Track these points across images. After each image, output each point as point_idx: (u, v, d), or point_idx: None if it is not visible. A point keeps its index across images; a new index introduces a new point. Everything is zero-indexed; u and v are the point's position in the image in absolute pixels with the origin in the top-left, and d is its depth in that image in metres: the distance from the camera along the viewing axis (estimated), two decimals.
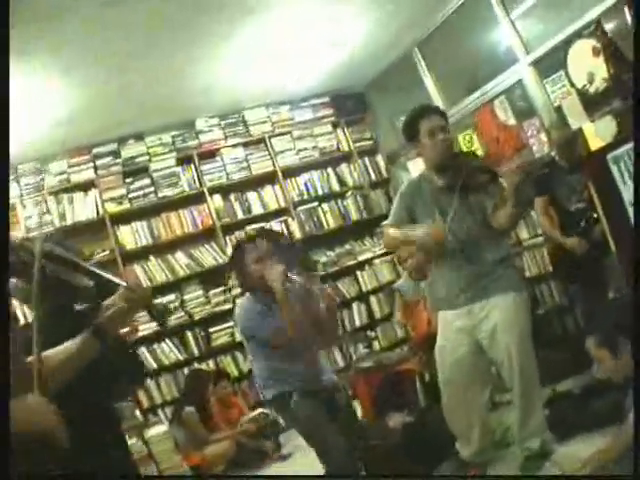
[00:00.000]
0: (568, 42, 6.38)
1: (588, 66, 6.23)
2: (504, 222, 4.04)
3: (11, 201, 7.47)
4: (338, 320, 6.72)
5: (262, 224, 8.53)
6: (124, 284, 2.35)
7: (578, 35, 6.25)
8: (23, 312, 5.11)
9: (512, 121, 7.43)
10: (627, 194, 3.07)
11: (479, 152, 7.84)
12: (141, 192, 8.20)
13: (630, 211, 3.04)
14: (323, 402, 4.23)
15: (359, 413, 6.32)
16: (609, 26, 5.92)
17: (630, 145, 2.96)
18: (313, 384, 4.23)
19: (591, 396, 4.78)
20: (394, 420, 5.72)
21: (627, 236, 3.10)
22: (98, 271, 2.34)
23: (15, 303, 2.70)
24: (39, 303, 1.99)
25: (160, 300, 7.87)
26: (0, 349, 1.73)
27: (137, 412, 6.94)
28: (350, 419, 4.52)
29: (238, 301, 4.47)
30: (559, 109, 6.74)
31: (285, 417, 4.69)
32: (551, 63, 6.74)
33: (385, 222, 4.63)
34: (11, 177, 7.64)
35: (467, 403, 4.35)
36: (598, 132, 6.02)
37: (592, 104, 6.26)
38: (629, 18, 3.45)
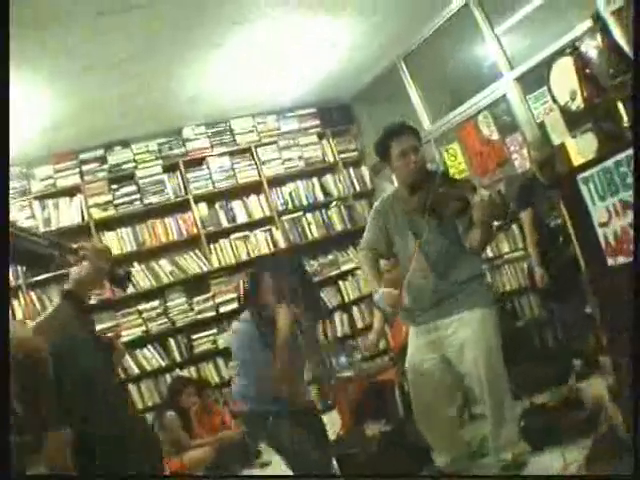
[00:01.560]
0: (551, 59, 6.42)
1: (570, 83, 6.29)
2: (475, 244, 4.08)
3: None
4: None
5: (246, 233, 8.61)
6: (87, 247, 2.42)
7: (561, 52, 6.29)
8: None
9: (495, 136, 7.51)
10: (596, 215, 3.15)
11: (462, 166, 7.94)
12: (127, 199, 8.24)
13: (599, 232, 3.12)
14: (300, 421, 4.29)
15: (338, 422, 6.38)
16: (587, 47, 6.00)
17: (600, 166, 3.04)
18: (293, 405, 4.30)
19: (567, 409, 4.84)
20: (372, 429, 5.76)
21: (596, 256, 3.18)
22: (58, 240, 2.40)
23: None
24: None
25: (144, 306, 7.95)
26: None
27: None
28: (322, 433, 4.60)
29: (238, 323, 4.47)
30: (542, 125, 6.80)
31: (260, 434, 4.72)
32: (535, 79, 6.80)
33: (361, 243, 4.66)
34: None
35: (435, 415, 4.39)
36: (579, 148, 6.10)
37: (574, 120, 6.31)
38: (600, 42, 3.52)
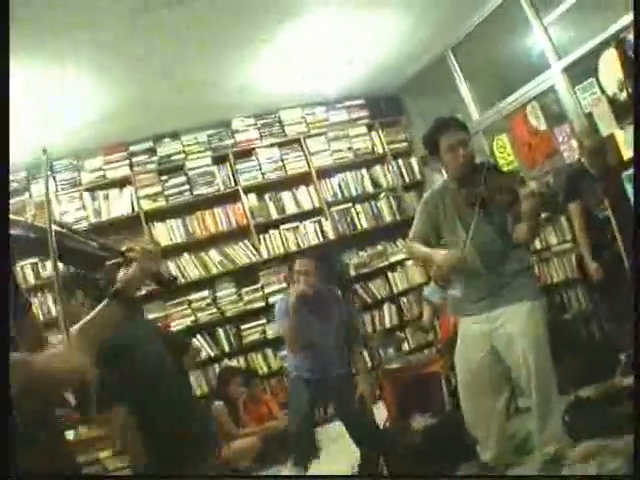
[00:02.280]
0: (599, 49, 6.36)
1: (618, 74, 6.22)
2: (523, 236, 4.10)
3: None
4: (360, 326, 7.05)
5: (296, 224, 8.65)
6: (136, 249, 2.47)
7: (609, 43, 6.23)
8: None
9: (544, 127, 7.43)
10: None
11: (510, 157, 7.88)
12: (176, 190, 8.31)
13: None
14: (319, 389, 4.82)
15: (384, 414, 6.38)
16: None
17: None
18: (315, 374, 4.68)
19: (610, 404, 4.80)
20: (417, 422, 5.77)
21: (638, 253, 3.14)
22: (106, 242, 2.45)
23: None
24: (56, 264, 2.10)
25: (194, 296, 8.03)
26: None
27: None
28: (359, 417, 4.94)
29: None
30: (590, 115, 6.73)
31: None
32: (583, 70, 6.73)
33: (410, 234, 4.68)
34: (48, 173, 7.78)
35: (483, 408, 4.40)
36: (628, 140, 6.02)
37: (622, 111, 6.24)
38: None
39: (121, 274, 2.40)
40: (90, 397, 1.98)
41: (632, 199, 3.07)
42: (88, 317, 2.29)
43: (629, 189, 3.10)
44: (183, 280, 8.05)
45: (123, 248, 2.46)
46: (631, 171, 3.09)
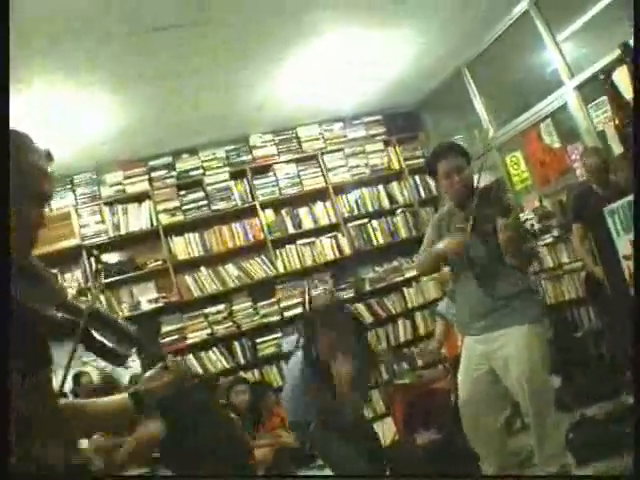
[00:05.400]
0: (611, 67, 6.38)
1: (630, 92, 6.25)
2: (514, 262, 4.18)
3: (66, 210, 7.81)
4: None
5: (312, 239, 8.74)
6: (166, 359, 2.49)
7: (621, 60, 6.25)
8: None
9: (557, 144, 7.47)
10: (621, 247, 3.19)
11: (525, 174, 7.94)
12: (195, 204, 8.42)
13: (623, 263, 3.16)
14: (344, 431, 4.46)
15: (392, 429, 6.45)
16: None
17: (627, 199, 3.08)
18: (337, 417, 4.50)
19: (614, 422, 4.85)
20: (422, 437, 5.84)
21: (619, 285, 3.23)
22: (139, 338, 2.45)
23: None
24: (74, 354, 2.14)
25: (210, 310, 8.13)
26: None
27: None
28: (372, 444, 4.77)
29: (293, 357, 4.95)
30: (602, 134, 6.77)
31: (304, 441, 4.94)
32: (595, 88, 6.75)
33: (420, 250, 4.76)
34: (67, 187, 7.98)
35: (483, 425, 4.44)
36: None
37: None
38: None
39: (148, 375, 2.42)
40: None
41: (614, 234, 3.15)
42: (100, 401, 2.33)
43: (609, 223, 3.18)
44: (200, 294, 8.17)
45: (165, 355, 2.49)
46: (613, 206, 3.16)
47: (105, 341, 2.23)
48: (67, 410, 2.09)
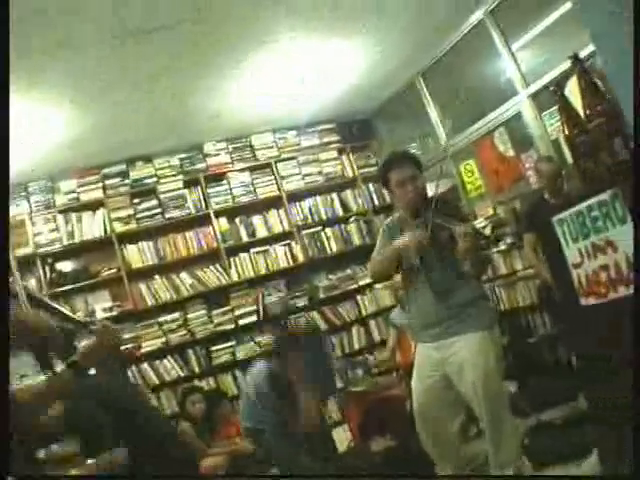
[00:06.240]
0: (565, 76, 6.45)
1: (579, 103, 6.30)
2: (469, 270, 4.20)
3: (20, 217, 7.76)
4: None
5: (266, 247, 8.76)
6: (96, 324, 2.58)
7: (572, 71, 6.30)
8: None
9: (511, 153, 7.56)
10: (570, 256, 3.26)
11: (478, 182, 8.02)
12: (148, 213, 8.40)
13: (573, 272, 3.24)
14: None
15: (347, 436, 6.47)
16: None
17: (576, 208, 3.15)
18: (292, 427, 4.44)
19: (572, 427, 4.91)
20: (378, 444, 5.87)
21: (569, 295, 3.30)
22: (70, 314, 2.56)
23: None
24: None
25: (164, 318, 8.12)
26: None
27: None
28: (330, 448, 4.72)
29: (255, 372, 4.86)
30: (556, 142, 6.85)
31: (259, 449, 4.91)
32: (549, 96, 6.71)
33: (372, 256, 4.77)
34: (21, 194, 7.92)
35: (437, 431, 4.47)
36: None
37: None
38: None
39: (81, 346, 2.51)
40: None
41: (563, 244, 3.22)
42: (43, 381, 2.39)
43: (559, 233, 3.25)
44: (154, 302, 8.16)
45: (86, 319, 2.60)
46: (561, 215, 3.23)
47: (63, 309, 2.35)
48: None
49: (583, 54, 6.16)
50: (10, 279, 2.23)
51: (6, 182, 1.64)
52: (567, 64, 6.25)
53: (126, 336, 7.76)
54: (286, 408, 4.80)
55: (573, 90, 6.23)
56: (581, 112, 3.35)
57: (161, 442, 3.91)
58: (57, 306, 2.45)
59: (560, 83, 5.72)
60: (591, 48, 6.00)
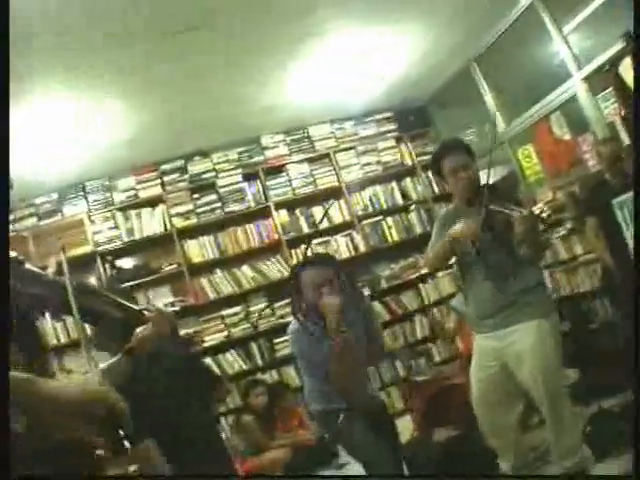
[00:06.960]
0: (617, 58, 6.34)
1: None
2: (528, 254, 4.15)
3: (79, 217, 7.88)
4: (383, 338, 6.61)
5: (327, 238, 8.74)
6: (152, 310, 2.59)
7: (625, 51, 6.18)
8: None
9: (567, 136, 7.44)
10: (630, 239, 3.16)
11: (537, 167, 7.90)
12: (208, 207, 8.44)
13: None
14: (368, 421, 4.29)
15: (410, 426, 6.43)
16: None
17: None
18: (360, 404, 4.28)
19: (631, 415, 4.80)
20: (439, 434, 5.81)
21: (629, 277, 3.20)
22: (127, 303, 2.56)
23: None
24: (81, 323, 2.19)
25: (227, 311, 8.18)
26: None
27: None
28: (392, 438, 4.55)
29: (291, 325, 4.39)
30: (612, 124, 6.72)
31: (331, 434, 4.74)
32: (603, 78, 6.69)
33: (428, 247, 4.72)
34: (79, 194, 8.04)
35: (497, 421, 4.43)
36: None
37: None
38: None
39: (137, 332, 2.54)
40: (117, 434, 1.86)
41: (623, 227, 3.12)
42: (103, 366, 2.40)
43: (619, 216, 3.16)
44: (216, 296, 8.20)
45: (141, 307, 2.59)
46: (622, 197, 3.13)
47: (101, 309, 2.34)
48: None
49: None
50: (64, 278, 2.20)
51: (6, 182, 1.63)
52: (618, 46, 6.21)
53: (189, 330, 7.84)
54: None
55: (627, 70, 6.18)
56: None
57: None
58: (111, 295, 2.43)
59: (615, 63, 5.61)
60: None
